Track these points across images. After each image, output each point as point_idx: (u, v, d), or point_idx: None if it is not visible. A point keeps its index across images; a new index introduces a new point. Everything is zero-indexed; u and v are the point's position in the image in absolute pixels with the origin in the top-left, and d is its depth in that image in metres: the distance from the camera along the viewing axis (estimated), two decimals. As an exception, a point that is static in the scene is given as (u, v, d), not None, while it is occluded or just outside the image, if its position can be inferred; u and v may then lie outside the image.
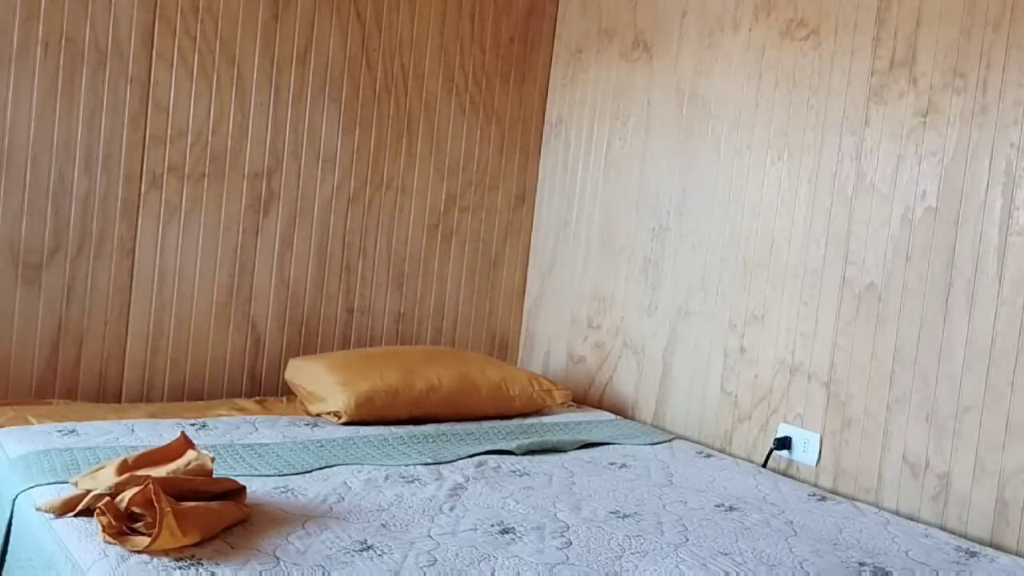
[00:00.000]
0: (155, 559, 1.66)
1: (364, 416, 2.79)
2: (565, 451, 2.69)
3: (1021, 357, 2.27)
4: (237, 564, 1.68)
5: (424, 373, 2.96)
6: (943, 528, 2.36)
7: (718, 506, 2.30)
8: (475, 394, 3.01)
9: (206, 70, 2.99)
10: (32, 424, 2.47)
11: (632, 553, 1.94)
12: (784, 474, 2.74)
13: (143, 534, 1.72)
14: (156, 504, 1.70)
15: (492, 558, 1.84)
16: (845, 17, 2.69)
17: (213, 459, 1.99)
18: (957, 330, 2.40)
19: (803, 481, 2.69)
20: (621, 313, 3.36)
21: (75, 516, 1.82)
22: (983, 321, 2.35)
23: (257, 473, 2.22)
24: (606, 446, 2.80)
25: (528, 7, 3.65)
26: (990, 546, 2.24)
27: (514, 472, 2.45)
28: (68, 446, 2.27)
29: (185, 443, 2.05)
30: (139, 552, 1.67)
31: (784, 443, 2.77)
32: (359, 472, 2.31)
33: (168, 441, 2.09)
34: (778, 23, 2.88)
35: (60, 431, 2.38)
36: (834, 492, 2.60)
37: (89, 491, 1.85)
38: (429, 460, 2.48)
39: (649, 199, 3.28)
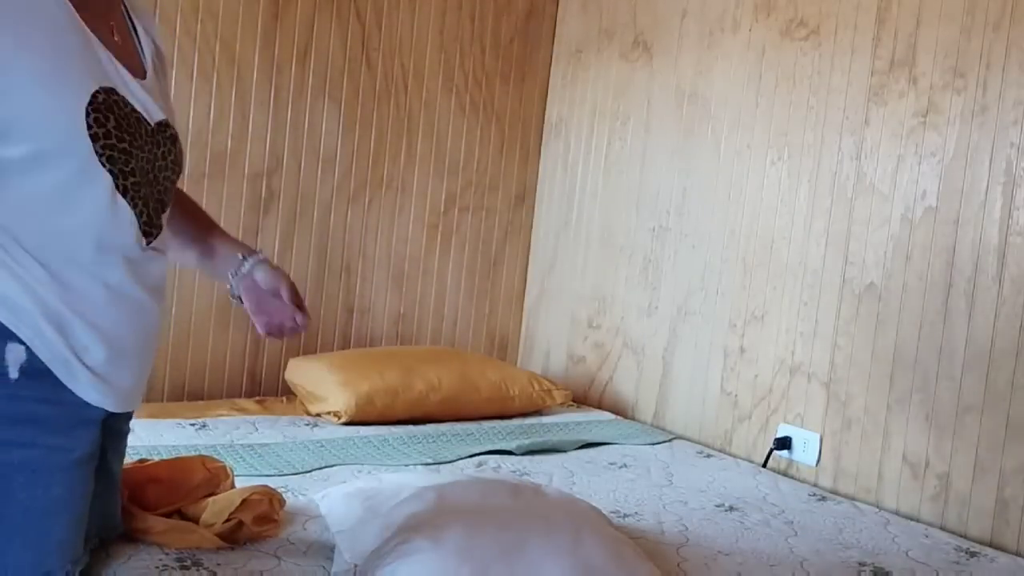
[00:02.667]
0: (155, 559, 1.66)
1: (364, 416, 2.79)
2: (565, 451, 2.69)
3: (1021, 357, 2.27)
4: (237, 564, 1.68)
5: (424, 373, 2.96)
6: (943, 528, 2.36)
7: (718, 506, 2.30)
8: (475, 394, 3.01)
9: (206, 70, 2.99)
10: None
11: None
12: (784, 474, 2.74)
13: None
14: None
15: (492, 558, 1.84)
16: (845, 17, 2.69)
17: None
18: (957, 330, 2.40)
19: (803, 481, 2.69)
20: (621, 313, 3.36)
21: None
22: (983, 321, 2.35)
23: (257, 473, 2.21)
24: (606, 446, 2.80)
25: (528, 7, 3.65)
26: (990, 546, 2.24)
27: (514, 472, 2.45)
28: (68, 446, 2.26)
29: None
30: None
31: (784, 443, 2.77)
32: (359, 472, 2.31)
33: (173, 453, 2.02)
34: (778, 23, 2.88)
35: (60, 431, 2.38)
36: (834, 492, 2.60)
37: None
38: (429, 460, 2.48)
39: (649, 199, 3.28)
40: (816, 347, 2.73)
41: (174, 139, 1.47)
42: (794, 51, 2.83)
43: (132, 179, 1.32)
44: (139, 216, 1.34)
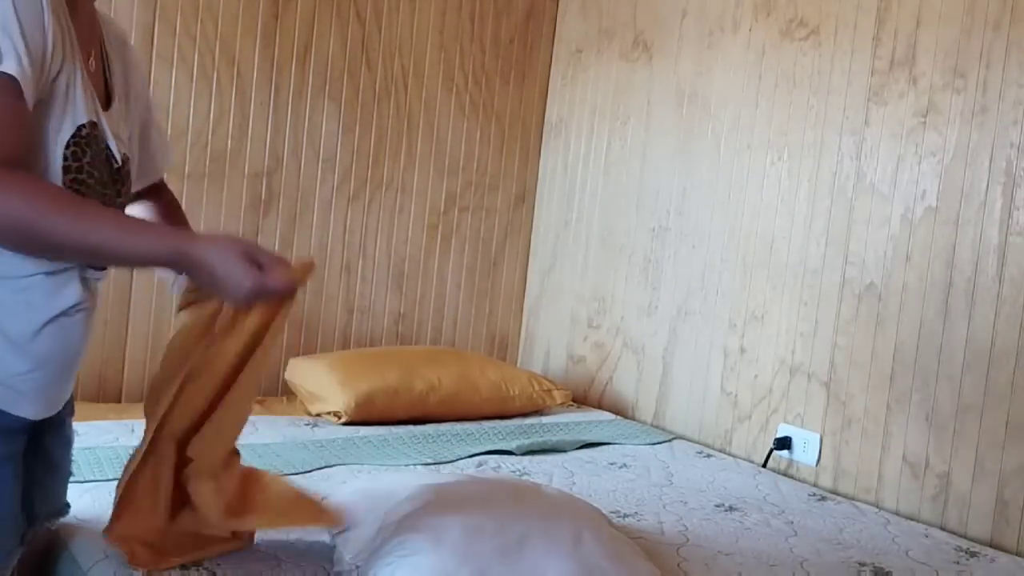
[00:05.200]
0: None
1: (364, 416, 2.79)
2: (565, 451, 2.69)
3: (1021, 357, 2.27)
4: (237, 564, 1.68)
5: (424, 373, 2.96)
6: (943, 528, 2.36)
7: (718, 506, 2.30)
8: (475, 394, 3.01)
9: (206, 70, 2.99)
10: (32, 424, 2.47)
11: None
12: (784, 474, 2.74)
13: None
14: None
15: (492, 558, 1.84)
16: (845, 17, 2.69)
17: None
18: (957, 330, 2.40)
19: (803, 481, 2.69)
20: (621, 313, 3.36)
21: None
22: (983, 321, 2.35)
23: (257, 473, 2.21)
24: (606, 446, 2.80)
25: (528, 7, 3.65)
26: (990, 546, 2.24)
27: (514, 472, 2.45)
28: (68, 446, 2.26)
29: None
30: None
31: (784, 443, 2.77)
32: (359, 472, 2.31)
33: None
34: (778, 23, 2.88)
35: (60, 431, 2.38)
36: (834, 492, 2.60)
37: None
38: (429, 460, 2.48)
39: (649, 199, 3.28)
40: (816, 347, 2.73)
41: (128, 175, 1.49)
42: (794, 51, 2.83)
43: None
44: None
